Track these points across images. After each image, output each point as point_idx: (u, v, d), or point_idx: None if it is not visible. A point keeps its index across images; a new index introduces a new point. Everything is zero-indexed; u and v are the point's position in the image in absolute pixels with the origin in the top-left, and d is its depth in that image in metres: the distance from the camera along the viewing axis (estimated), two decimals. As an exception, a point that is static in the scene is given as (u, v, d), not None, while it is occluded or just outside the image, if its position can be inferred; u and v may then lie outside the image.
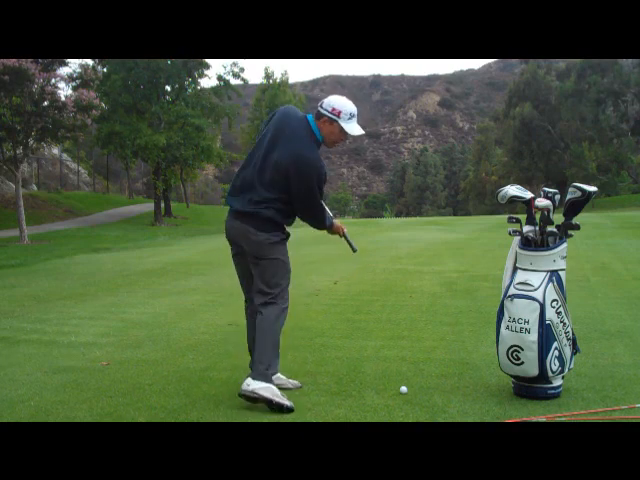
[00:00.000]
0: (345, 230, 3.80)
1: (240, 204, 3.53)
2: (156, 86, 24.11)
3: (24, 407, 3.52)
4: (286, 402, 3.34)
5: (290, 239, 3.65)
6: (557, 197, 3.67)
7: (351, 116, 3.47)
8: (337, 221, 3.78)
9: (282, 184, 3.45)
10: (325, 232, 3.81)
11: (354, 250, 3.87)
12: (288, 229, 3.67)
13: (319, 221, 3.66)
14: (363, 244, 13.75)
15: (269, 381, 3.39)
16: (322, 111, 3.49)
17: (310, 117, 3.55)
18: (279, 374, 3.78)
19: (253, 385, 3.35)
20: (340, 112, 3.44)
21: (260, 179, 3.49)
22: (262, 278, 3.54)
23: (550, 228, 3.60)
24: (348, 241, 3.86)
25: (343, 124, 3.45)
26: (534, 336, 3.39)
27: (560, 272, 3.51)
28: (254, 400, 3.35)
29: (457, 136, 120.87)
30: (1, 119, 15.38)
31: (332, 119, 3.45)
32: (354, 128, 3.49)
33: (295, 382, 3.79)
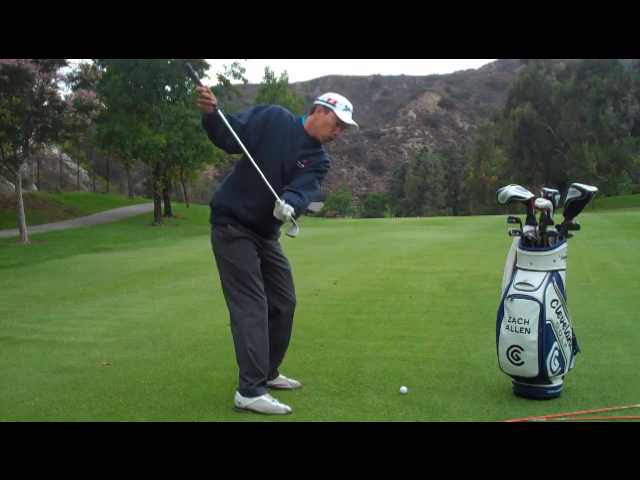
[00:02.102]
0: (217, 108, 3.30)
1: None
2: (156, 86, 24.13)
3: (24, 407, 3.52)
4: (281, 410, 3.33)
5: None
6: (557, 197, 3.67)
7: (346, 108, 3.47)
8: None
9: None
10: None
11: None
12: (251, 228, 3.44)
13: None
14: (363, 244, 13.77)
15: (256, 394, 3.36)
16: (317, 102, 3.50)
17: (303, 117, 3.58)
18: (280, 375, 3.78)
19: (244, 403, 3.36)
20: (336, 102, 3.45)
21: None
22: (220, 280, 3.51)
23: (550, 228, 3.60)
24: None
25: (338, 112, 3.43)
26: (534, 336, 3.39)
27: (560, 272, 3.51)
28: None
29: (457, 136, 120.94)
30: (1, 119, 15.39)
31: (327, 107, 3.44)
32: (348, 118, 3.47)
33: (295, 382, 3.79)
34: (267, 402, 3.35)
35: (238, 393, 3.40)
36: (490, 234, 15.63)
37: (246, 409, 3.35)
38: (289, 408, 3.33)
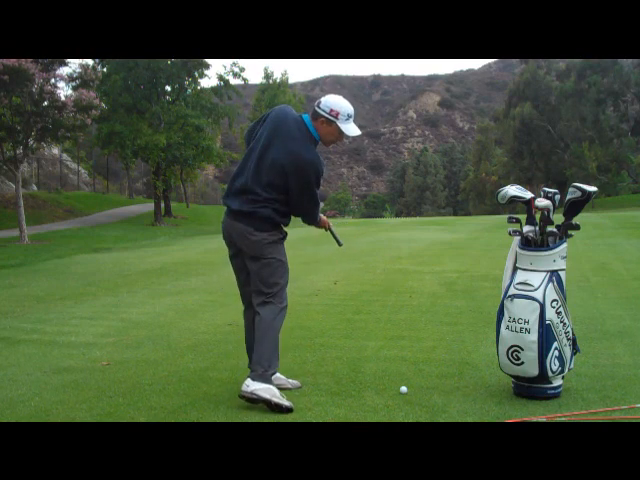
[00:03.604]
0: (331, 225, 3.88)
1: (238, 204, 3.53)
2: (156, 86, 24.13)
3: (24, 407, 3.52)
4: (285, 402, 3.35)
5: (290, 239, 3.64)
6: (557, 197, 3.67)
7: (348, 117, 3.48)
8: (323, 217, 3.84)
9: (279, 184, 3.47)
10: (314, 227, 3.88)
11: (339, 244, 3.98)
12: (285, 229, 3.68)
13: (314, 217, 3.71)
14: (363, 244, 13.76)
15: (268, 382, 3.41)
16: (319, 111, 3.47)
17: (306, 117, 3.55)
18: (278, 374, 3.78)
19: (252, 386, 3.37)
20: (338, 113, 3.45)
21: (257, 180, 3.50)
22: (260, 277, 3.55)
23: (550, 228, 3.60)
24: (334, 235, 3.96)
25: (341, 125, 3.46)
26: (534, 336, 3.39)
27: (560, 272, 3.51)
28: (254, 401, 3.37)
29: (457, 136, 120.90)
30: (1, 119, 15.39)
31: (330, 120, 3.46)
32: (352, 129, 3.50)
33: (295, 382, 3.79)
34: (275, 390, 3.39)
35: (249, 379, 3.42)
36: (490, 234, 15.62)
37: (252, 393, 3.35)
38: (292, 405, 3.35)
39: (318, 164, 3.47)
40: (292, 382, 3.78)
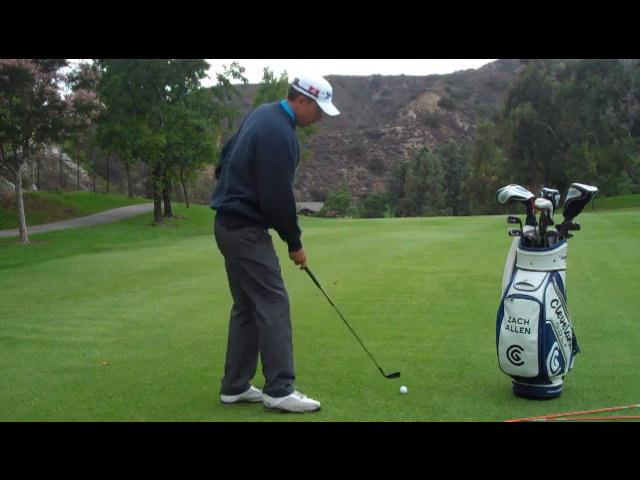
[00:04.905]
0: (307, 264, 3.52)
1: (214, 202, 3.41)
2: (156, 86, 24.12)
3: (24, 407, 3.52)
4: (311, 407, 3.32)
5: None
6: (557, 197, 3.67)
7: (328, 95, 3.35)
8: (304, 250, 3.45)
9: (249, 163, 3.24)
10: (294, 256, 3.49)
11: (317, 284, 3.61)
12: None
13: (286, 214, 3.26)
14: (363, 244, 13.77)
15: (286, 394, 3.33)
16: (298, 89, 3.33)
17: (283, 101, 3.43)
18: (252, 387, 3.56)
19: (273, 402, 3.32)
20: (318, 91, 3.31)
21: (229, 169, 3.34)
22: (245, 283, 3.37)
23: (550, 228, 3.60)
24: (312, 276, 3.60)
25: (320, 104, 3.33)
26: (534, 336, 3.39)
27: (560, 272, 3.51)
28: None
29: (457, 136, 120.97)
30: (1, 119, 15.39)
31: (310, 98, 3.32)
32: (331, 108, 3.38)
33: (257, 391, 3.54)
34: (297, 400, 3.34)
35: (267, 395, 3.34)
36: (490, 234, 15.62)
37: (275, 408, 3.31)
38: (318, 403, 3.35)
39: (290, 137, 3.24)
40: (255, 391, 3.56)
